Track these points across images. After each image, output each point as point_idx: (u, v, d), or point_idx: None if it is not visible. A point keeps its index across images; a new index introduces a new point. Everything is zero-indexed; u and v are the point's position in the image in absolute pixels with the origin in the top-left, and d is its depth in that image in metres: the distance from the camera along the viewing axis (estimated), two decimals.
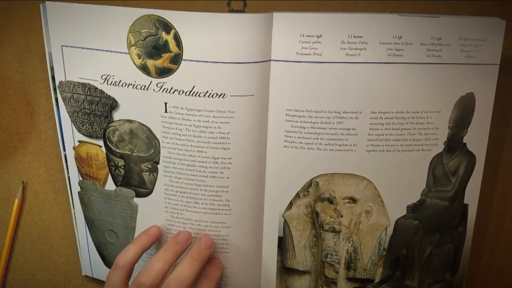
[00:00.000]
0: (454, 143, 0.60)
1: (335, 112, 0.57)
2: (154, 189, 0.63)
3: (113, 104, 0.59)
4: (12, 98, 0.67)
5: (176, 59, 0.55)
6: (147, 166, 0.61)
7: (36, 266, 0.74)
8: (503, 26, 0.56)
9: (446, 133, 0.60)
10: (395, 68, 0.56)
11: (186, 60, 0.55)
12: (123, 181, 0.64)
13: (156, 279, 0.57)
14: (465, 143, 0.60)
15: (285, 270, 0.66)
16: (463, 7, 0.62)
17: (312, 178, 0.61)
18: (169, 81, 0.56)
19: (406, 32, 0.55)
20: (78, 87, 0.60)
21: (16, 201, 0.71)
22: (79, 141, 0.63)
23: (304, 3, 0.62)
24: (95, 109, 0.60)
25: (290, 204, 0.62)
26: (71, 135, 0.64)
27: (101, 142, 0.62)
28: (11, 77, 0.66)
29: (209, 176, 0.60)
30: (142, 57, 0.55)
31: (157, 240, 0.64)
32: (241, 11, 0.63)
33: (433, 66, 0.57)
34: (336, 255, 0.63)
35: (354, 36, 0.55)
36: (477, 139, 0.61)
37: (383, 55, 0.56)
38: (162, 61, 0.55)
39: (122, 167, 0.63)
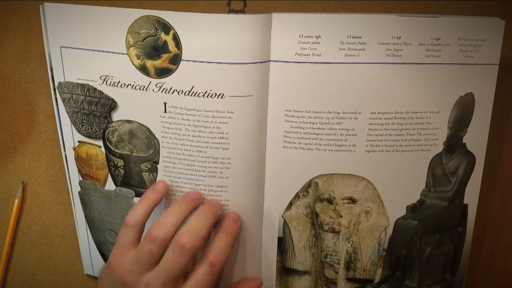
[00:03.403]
0: (454, 143, 0.60)
1: (334, 113, 0.57)
2: None
3: (112, 105, 0.59)
4: (12, 98, 0.67)
5: (175, 60, 0.55)
6: (146, 166, 0.61)
7: (36, 266, 0.74)
8: (502, 26, 0.56)
9: (445, 133, 0.60)
10: (394, 68, 0.56)
11: (185, 60, 0.55)
12: (123, 181, 0.64)
13: (168, 232, 0.55)
14: (465, 143, 0.60)
15: (285, 271, 0.66)
16: (462, 7, 0.62)
17: (312, 179, 0.61)
18: (168, 81, 0.56)
19: (405, 32, 0.55)
20: (77, 87, 0.60)
21: (16, 201, 0.71)
22: (78, 142, 0.64)
23: (305, 2, 0.62)
24: (94, 109, 0.60)
25: (290, 205, 0.62)
26: (71, 136, 0.64)
27: (100, 143, 0.63)
28: (11, 77, 0.67)
29: (209, 176, 0.60)
30: (141, 58, 0.56)
31: (166, 196, 0.62)
32: (241, 11, 0.63)
33: (432, 66, 0.57)
34: (335, 255, 0.63)
35: (353, 37, 0.55)
36: (476, 139, 0.61)
37: (382, 56, 0.56)
38: (161, 62, 0.55)
39: (121, 167, 0.63)
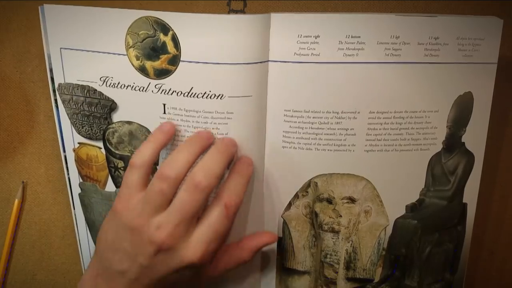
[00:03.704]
0: (453, 143, 0.60)
1: (333, 112, 0.57)
2: None
3: (112, 106, 0.59)
4: (12, 98, 0.68)
5: (174, 60, 0.55)
6: None
7: (36, 266, 0.74)
8: (500, 25, 0.56)
9: (444, 133, 0.60)
10: (393, 68, 0.56)
11: (184, 61, 0.54)
12: None
13: (181, 171, 0.51)
14: (464, 142, 0.61)
15: (285, 271, 0.66)
16: (460, 6, 0.62)
17: (311, 179, 0.61)
18: (167, 82, 0.56)
19: (403, 32, 0.55)
20: (77, 89, 0.60)
21: (16, 201, 0.71)
22: (79, 143, 0.63)
23: (304, 2, 0.62)
24: (94, 111, 0.60)
25: (289, 205, 0.62)
26: (71, 137, 0.64)
27: (100, 144, 0.62)
28: (11, 77, 0.67)
29: None
30: (140, 59, 0.55)
31: (172, 139, 0.58)
32: (241, 11, 0.63)
33: (431, 66, 0.57)
34: (335, 255, 0.63)
35: (351, 36, 0.55)
36: (475, 138, 0.61)
37: (381, 55, 0.56)
38: (160, 63, 0.55)
39: (122, 168, 0.63)
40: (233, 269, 0.59)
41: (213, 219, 0.52)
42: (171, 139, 0.57)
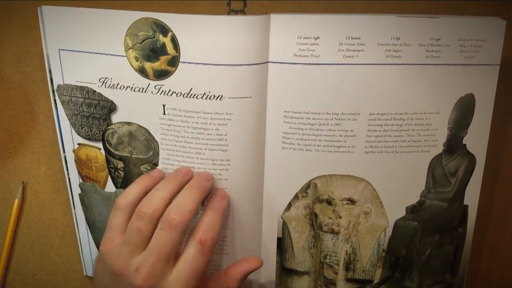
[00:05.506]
0: (454, 144, 0.60)
1: (333, 114, 0.57)
2: None
3: (111, 107, 0.59)
4: (12, 98, 0.67)
5: (174, 62, 0.55)
6: (146, 168, 0.61)
7: (36, 266, 0.74)
8: (503, 26, 0.56)
9: (445, 134, 0.59)
10: (393, 69, 0.56)
11: (183, 62, 0.54)
12: (123, 183, 0.63)
13: (157, 207, 0.53)
14: (465, 144, 0.60)
15: (285, 271, 0.66)
16: (462, 7, 0.62)
17: (311, 180, 0.61)
18: (167, 83, 0.56)
19: (404, 33, 0.55)
20: (76, 90, 0.60)
21: (16, 201, 0.71)
22: (78, 144, 0.63)
23: (304, 3, 0.62)
24: (93, 112, 0.60)
25: (289, 206, 0.62)
26: (70, 138, 0.64)
27: (100, 145, 0.62)
28: (11, 77, 0.67)
29: None
30: (139, 60, 0.55)
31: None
32: (241, 11, 0.63)
33: (432, 67, 0.56)
34: (335, 256, 0.63)
35: (351, 38, 0.54)
36: (477, 140, 0.60)
37: (381, 57, 0.55)
38: (160, 64, 0.55)
39: (121, 169, 0.63)
40: None
41: (190, 256, 0.53)
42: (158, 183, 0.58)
